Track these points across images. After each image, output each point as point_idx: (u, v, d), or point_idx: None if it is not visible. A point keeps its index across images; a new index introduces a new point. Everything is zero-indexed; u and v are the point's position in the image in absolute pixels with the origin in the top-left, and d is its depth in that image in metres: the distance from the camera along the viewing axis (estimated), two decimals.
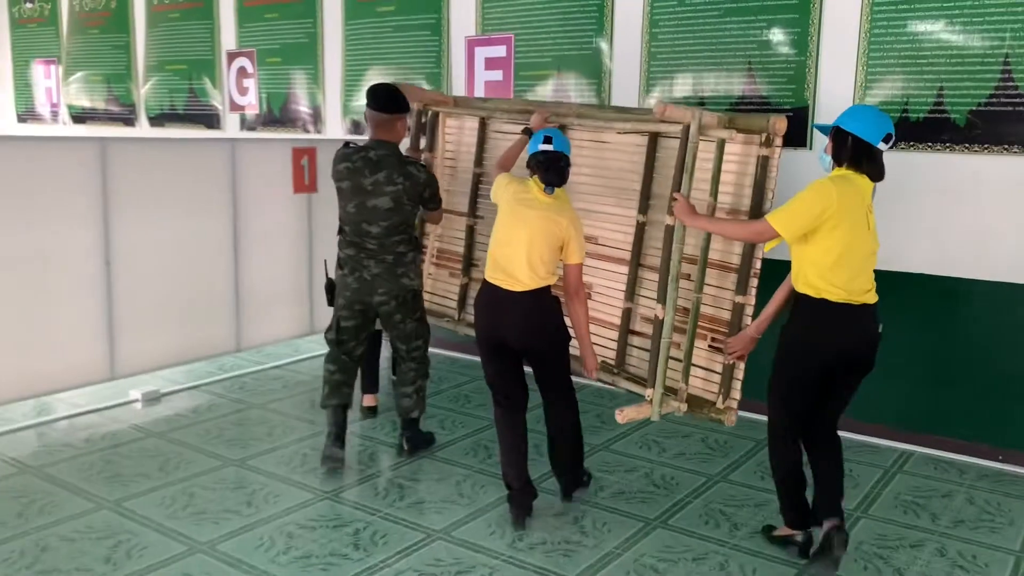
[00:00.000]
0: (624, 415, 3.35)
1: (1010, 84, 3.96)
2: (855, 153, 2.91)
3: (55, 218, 4.30)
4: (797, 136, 4.49)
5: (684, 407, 3.50)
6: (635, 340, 3.89)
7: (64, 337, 4.40)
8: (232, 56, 6.86)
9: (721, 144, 3.40)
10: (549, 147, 3.33)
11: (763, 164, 3.40)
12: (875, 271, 3.02)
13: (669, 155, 3.68)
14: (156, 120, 7.46)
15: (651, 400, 3.44)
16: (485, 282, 3.42)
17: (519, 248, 3.31)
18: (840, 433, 3.16)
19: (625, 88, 5.02)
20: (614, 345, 3.95)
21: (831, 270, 2.89)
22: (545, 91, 5.31)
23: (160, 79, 7.37)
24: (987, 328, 4.17)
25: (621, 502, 3.65)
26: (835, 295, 2.90)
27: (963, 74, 4.05)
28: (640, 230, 3.86)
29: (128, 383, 4.85)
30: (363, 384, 4.69)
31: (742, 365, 3.47)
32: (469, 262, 4.69)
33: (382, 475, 3.91)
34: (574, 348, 3.50)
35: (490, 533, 3.35)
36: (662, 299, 3.43)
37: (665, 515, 3.54)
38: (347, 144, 3.89)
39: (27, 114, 8.58)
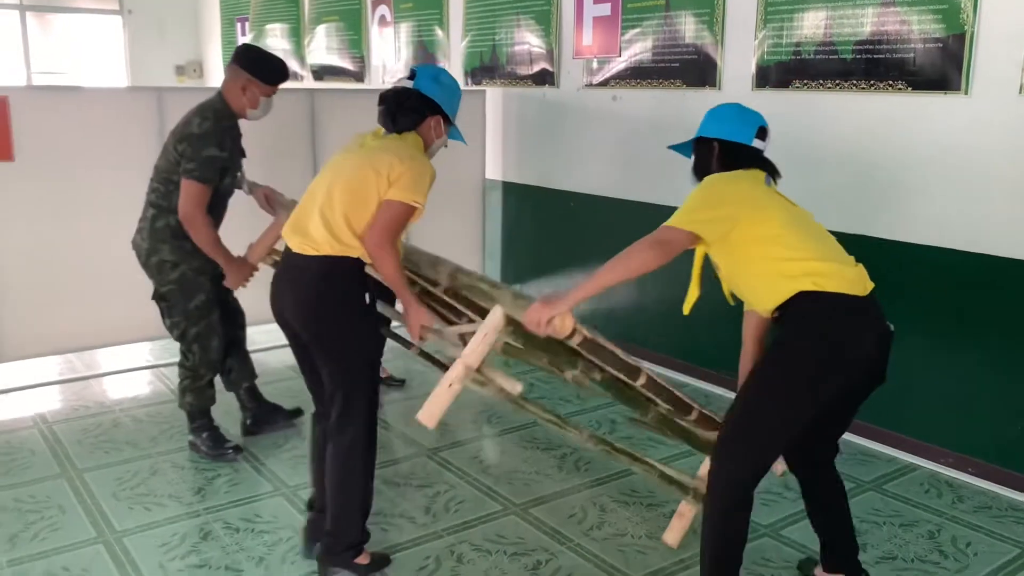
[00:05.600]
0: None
1: None
2: (726, 160, 2.36)
3: (116, 167, 4.24)
4: (953, 79, 3.29)
5: None
6: None
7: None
8: (375, 3, 6.58)
9: None
10: (408, 84, 2.61)
11: None
12: None
13: None
14: (317, 73, 7.43)
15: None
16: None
17: (317, 198, 2.53)
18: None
19: (743, 17, 4.00)
20: None
21: (796, 244, 2.21)
22: (651, 27, 4.42)
23: (320, 32, 7.30)
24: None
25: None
26: (829, 278, 2.18)
27: None
28: None
29: None
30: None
31: None
32: None
33: None
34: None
35: None
36: None
37: None
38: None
39: None
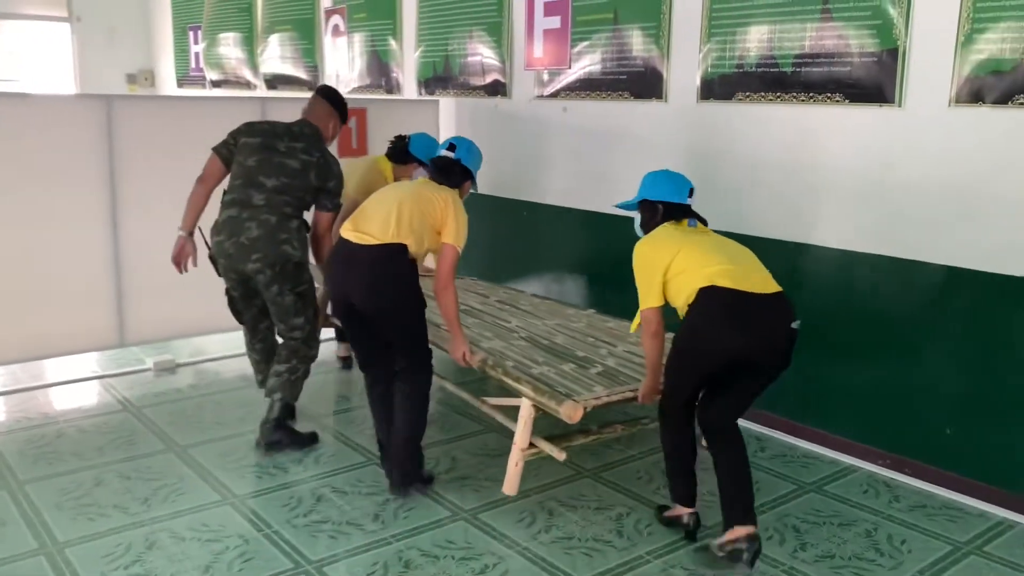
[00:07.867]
0: None
1: None
2: (667, 217, 3.00)
3: (64, 175, 4.20)
4: (887, 91, 3.40)
5: None
6: None
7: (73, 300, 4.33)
8: (329, 13, 6.58)
9: None
10: (450, 155, 3.34)
11: None
12: None
13: None
14: (270, 82, 7.41)
15: None
16: (339, 238, 3.22)
17: (387, 205, 3.17)
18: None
19: (688, 31, 4.10)
20: None
21: (702, 260, 2.80)
22: (600, 40, 4.50)
23: (274, 41, 7.28)
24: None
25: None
26: (723, 278, 2.74)
27: None
28: None
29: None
30: (337, 332, 4.76)
31: None
32: None
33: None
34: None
35: None
36: None
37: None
38: None
39: (184, 79, 8.93)
